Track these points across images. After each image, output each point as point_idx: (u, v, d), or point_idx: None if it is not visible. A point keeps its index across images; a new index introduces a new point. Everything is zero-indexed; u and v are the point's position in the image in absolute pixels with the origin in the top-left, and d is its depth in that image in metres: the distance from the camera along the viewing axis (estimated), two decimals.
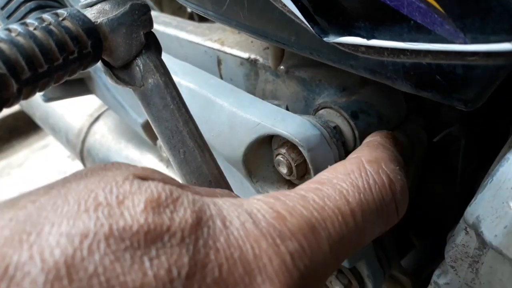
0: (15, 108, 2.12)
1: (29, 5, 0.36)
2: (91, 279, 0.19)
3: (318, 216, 0.28)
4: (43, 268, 0.19)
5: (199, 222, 0.24)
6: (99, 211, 0.22)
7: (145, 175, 0.26)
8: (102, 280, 0.20)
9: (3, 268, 0.19)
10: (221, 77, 0.67)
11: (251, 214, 0.26)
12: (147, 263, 0.21)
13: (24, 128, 2.27)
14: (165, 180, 0.27)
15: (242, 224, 0.25)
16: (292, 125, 0.43)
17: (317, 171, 0.41)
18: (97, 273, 0.20)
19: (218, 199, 0.28)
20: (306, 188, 0.31)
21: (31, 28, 0.28)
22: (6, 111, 2.22)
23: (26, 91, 0.28)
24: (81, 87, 0.91)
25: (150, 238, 0.22)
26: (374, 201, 0.31)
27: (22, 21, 0.29)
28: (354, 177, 0.32)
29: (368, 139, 0.40)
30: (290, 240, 0.26)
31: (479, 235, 0.34)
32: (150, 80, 0.35)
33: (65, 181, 0.25)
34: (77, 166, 1.95)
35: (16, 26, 0.28)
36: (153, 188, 0.25)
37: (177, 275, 0.21)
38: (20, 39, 0.27)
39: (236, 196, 0.32)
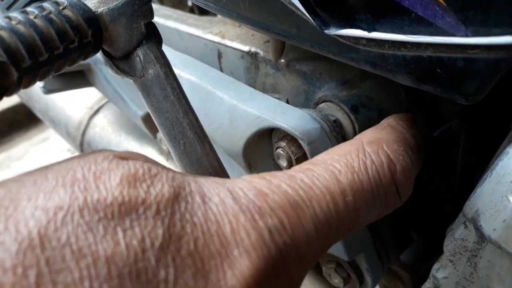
0: (14, 101, 2.11)
1: None
2: (63, 248, 0.20)
3: (304, 194, 0.28)
4: (16, 238, 0.20)
5: (177, 197, 0.25)
6: (75, 186, 0.23)
7: (126, 156, 0.27)
8: (74, 249, 0.20)
9: None
10: (222, 70, 0.67)
11: (232, 192, 0.27)
12: (120, 234, 0.22)
13: (24, 121, 2.27)
14: (149, 161, 0.27)
15: (222, 200, 0.26)
16: (292, 118, 0.43)
17: None
18: (69, 242, 0.21)
19: (201, 178, 0.28)
20: (298, 169, 0.31)
21: (31, 17, 0.28)
22: (6, 104, 2.21)
23: (26, 79, 0.28)
24: (81, 79, 0.91)
25: (124, 210, 0.23)
26: (369, 182, 0.31)
27: (23, 9, 0.29)
28: (350, 157, 0.32)
29: (382, 121, 0.39)
30: (270, 216, 0.26)
31: (478, 229, 0.34)
32: (150, 71, 0.35)
33: (50, 164, 0.26)
34: None
35: (16, 15, 0.28)
36: (131, 165, 0.25)
37: (150, 246, 0.22)
38: (21, 27, 0.27)
39: None
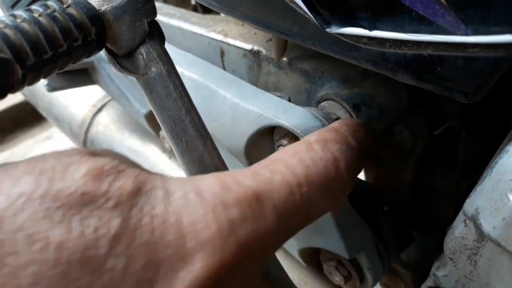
0: (18, 99, 2.12)
1: None
2: (17, 232, 0.21)
3: (265, 187, 0.29)
4: None
5: (138, 192, 0.25)
6: (42, 175, 0.24)
7: (98, 152, 0.27)
8: (27, 234, 0.21)
9: None
10: (224, 69, 0.67)
11: (196, 187, 0.27)
12: (76, 222, 0.22)
13: (27, 119, 2.27)
14: (121, 159, 0.28)
15: (184, 195, 0.26)
16: (294, 117, 0.44)
17: None
18: (23, 227, 0.21)
19: (169, 177, 0.28)
20: (258, 165, 0.32)
21: (36, 15, 0.28)
22: (10, 102, 2.22)
23: (30, 77, 0.28)
24: (85, 77, 0.91)
25: (84, 200, 0.23)
26: (319, 175, 0.33)
27: (27, 7, 0.29)
28: (302, 154, 0.34)
29: (328, 125, 0.42)
30: (233, 208, 0.27)
31: (477, 227, 0.34)
32: (153, 69, 0.35)
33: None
34: None
35: (21, 13, 0.28)
36: (100, 160, 0.26)
37: (103, 235, 0.23)
38: (25, 25, 0.28)
39: None
